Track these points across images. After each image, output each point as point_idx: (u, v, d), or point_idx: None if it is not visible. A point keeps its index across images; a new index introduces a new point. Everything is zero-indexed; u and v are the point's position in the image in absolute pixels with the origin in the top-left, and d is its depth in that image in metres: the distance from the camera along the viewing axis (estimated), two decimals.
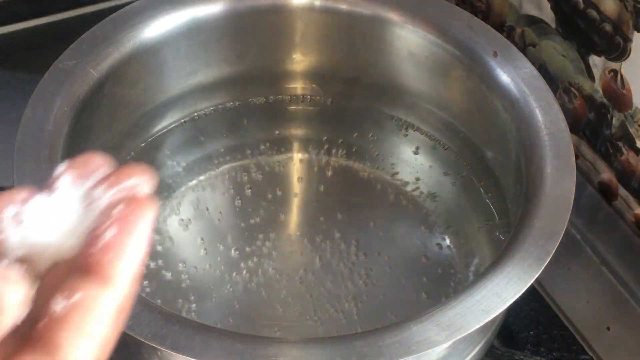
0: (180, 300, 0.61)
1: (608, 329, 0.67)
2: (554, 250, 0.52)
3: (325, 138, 0.72)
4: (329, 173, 0.70)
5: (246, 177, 0.69)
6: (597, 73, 0.67)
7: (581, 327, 0.67)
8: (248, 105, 0.72)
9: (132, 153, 0.68)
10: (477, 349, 0.57)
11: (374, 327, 0.50)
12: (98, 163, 0.31)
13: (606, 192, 0.71)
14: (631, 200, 0.69)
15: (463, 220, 0.67)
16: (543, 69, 0.71)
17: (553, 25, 0.70)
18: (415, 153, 0.70)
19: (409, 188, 0.68)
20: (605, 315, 0.67)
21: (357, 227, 0.66)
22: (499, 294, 0.50)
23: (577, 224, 0.70)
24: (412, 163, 0.70)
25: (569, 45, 0.69)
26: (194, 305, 0.61)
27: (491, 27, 0.65)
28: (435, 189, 0.68)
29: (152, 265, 0.63)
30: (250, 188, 0.68)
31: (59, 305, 0.28)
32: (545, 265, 0.52)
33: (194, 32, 0.66)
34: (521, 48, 0.72)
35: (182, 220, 0.66)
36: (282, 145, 0.71)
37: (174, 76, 0.68)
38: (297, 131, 0.73)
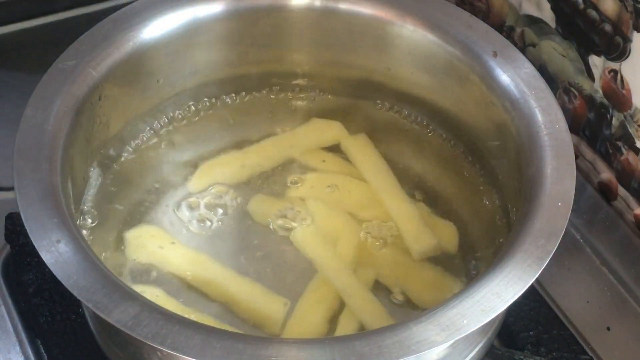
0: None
1: (608, 329, 0.67)
2: (554, 250, 0.53)
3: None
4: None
5: (246, 177, 0.69)
6: (597, 73, 0.68)
7: (581, 327, 0.67)
8: (248, 105, 0.72)
9: (132, 153, 0.68)
10: (477, 349, 0.57)
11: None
12: None
13: (606, 192, 0.71)
14: (631, 200, 0.69)
15: (463, 220, 0.67)
16: (543, 69, 0.71)
17: (553, 25, 0.70)
18: (415, 152, 0.70)
19: (409, 188, 0.68)
20: (605, 315, 0.67)
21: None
22: (499, 294, 0.50)
23: (577, 224, 0.70)
24: (412, 162, 0.70)
25: (569, 45, 0.69)
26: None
27: (491, 27, 0.65)
28: (435, 189, 0.68)
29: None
30: (250, 188, 0.68)
31: None
32: (545, 265, 0.52)
33: (194, 32, 0.66)
34: (521, 48, 0.72)
35: (181, 220, 0.66)
36: None
37: (173, 76, 0.68)
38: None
